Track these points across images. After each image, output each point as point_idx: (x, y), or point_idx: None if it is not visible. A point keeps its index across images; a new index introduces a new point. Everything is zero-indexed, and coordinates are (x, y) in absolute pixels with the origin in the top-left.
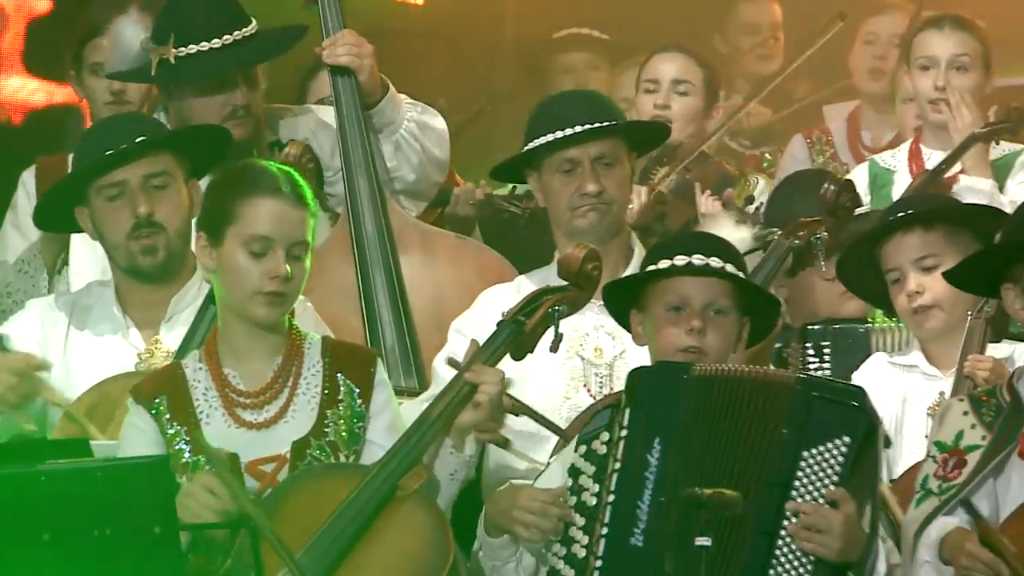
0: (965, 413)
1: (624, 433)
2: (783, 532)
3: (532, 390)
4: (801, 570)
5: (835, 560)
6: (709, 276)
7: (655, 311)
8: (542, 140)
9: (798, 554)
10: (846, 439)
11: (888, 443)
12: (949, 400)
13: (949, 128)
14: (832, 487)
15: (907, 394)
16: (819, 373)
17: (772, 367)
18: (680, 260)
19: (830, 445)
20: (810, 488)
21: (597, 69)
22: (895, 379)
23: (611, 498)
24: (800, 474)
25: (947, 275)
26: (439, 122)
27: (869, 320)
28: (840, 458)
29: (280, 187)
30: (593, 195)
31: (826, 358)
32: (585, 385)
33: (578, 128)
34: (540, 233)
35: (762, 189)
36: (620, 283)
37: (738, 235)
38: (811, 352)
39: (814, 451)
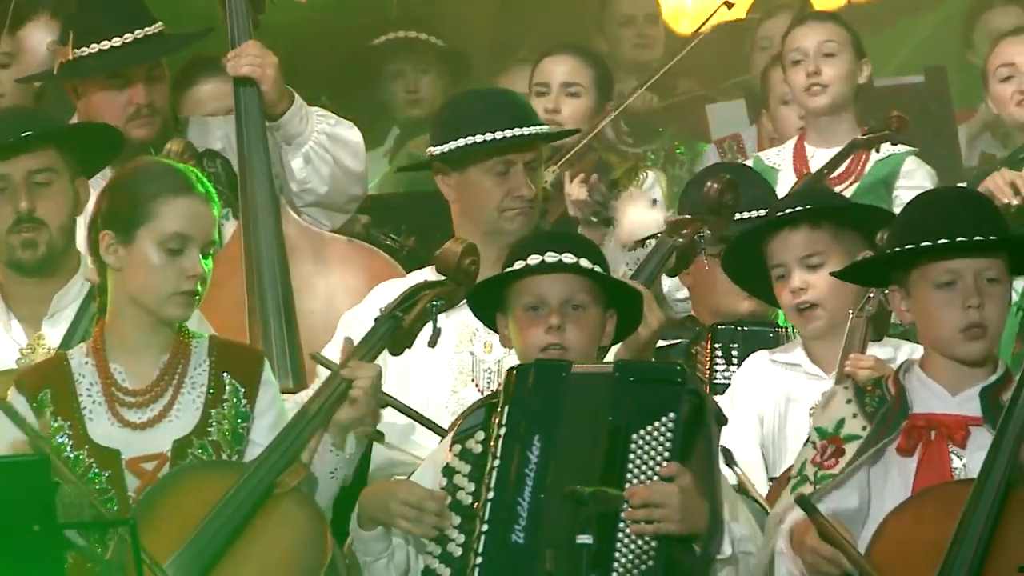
0: (848, 401)
1: (503, 431)
2: (622, 515)
3: (420, 383)
4: (646, 548)
5: (678, 533)
6: (562, 272)
7: (516, 312)
8: (488, 137)
9: (640, 541)
10: (671, 415)
11: (723, 420)
12: (834, 387)
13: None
14: (665, 464)
15: (790, 393)
16: (726, 374)
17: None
18: (533, 259)
19: (657, 423)
20: (644, 469)
21: (427, 73)
22: (778, 377)
23: (491, 495)
24: (632, 456)
25: (835, 274)
26: (353, 134)
27: (779, 324)
28: (669, 434)
29: (193, 186)
30: (527, 199)
31: (733, 359)
32: (473, 380)
33: (526, 130)
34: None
35: (652, 183)
36: (481, 287)
37: (651, 217)
38: (719, 353)
39: (642, 432)
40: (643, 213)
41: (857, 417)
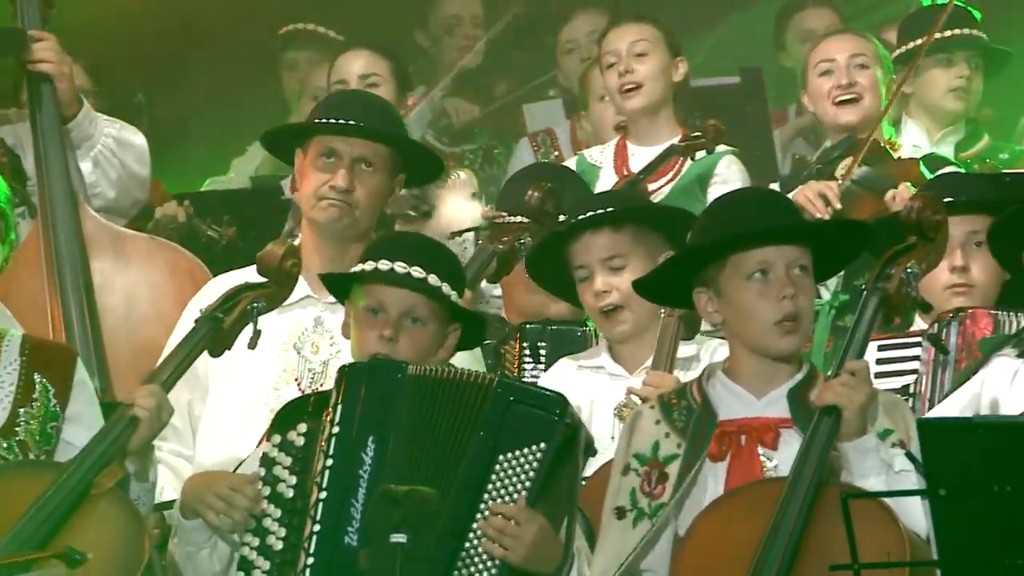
0: (657, 422)
1: (336, 430)
2: (472, 534)
3: (243, 378)
4: (486, 573)
5: (521, 565)
6: (405, 287)
7: (358, 310)
8: (319, 121)
9: (484, 557)
10: (542, 445)
11: (592, 452)
12: (639, 408)
13: None
14: (525, 492)
15: (594, 395)
16: (534, 373)
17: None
18: (384, 265)
19: (526, 451)
20: (503, 492)
21: (320, 66)
22: (582, 381)
23: (323, 495)
24: (494, 477)
25: (637, 285)
26: (139, 139)
27: (587, 323)
28: (535, 464)
29: None
30: (340, 191)
31: (541, 358)
32: (297, 380)
33: (351, 122)
34: (234, 259)
35: (464, 182)
36: (330, 278)
37: (470, 208)
38: (527, 352)
39: (509, 455)
40: (462, 205)
41: (670, 436)
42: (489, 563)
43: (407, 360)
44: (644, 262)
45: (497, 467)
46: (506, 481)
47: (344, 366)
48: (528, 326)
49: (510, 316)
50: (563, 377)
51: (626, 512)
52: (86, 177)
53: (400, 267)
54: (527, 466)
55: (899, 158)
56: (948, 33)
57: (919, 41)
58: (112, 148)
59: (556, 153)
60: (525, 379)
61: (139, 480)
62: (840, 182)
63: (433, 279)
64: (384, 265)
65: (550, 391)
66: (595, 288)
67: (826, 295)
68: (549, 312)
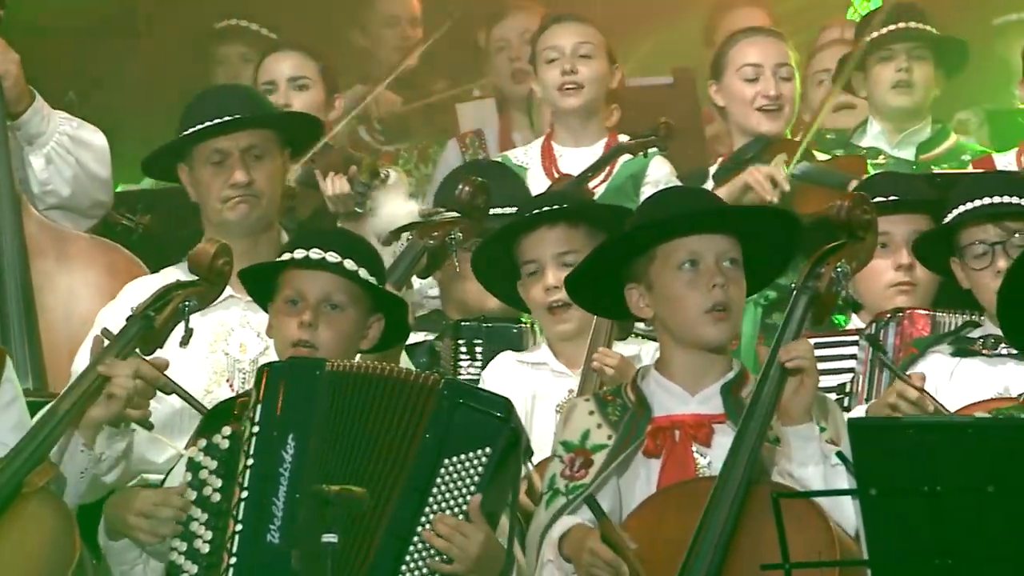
0: (591, 413)
1: (256, 429)
2: (416, 538)
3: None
4: None
5: (464, 573)
6: (321, 270)
7: (277, 304)
8: (192, 130)
9: (428, 561)
10: (487, 450)
11: (530, 454)
12: (574, 399)
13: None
14: (470, 496)
15: (536, 391)
16: (470, 370)
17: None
18: (299, 253)
19: (472, 455)
20: (447, 496)
21: (250, 62)
22: (524, 377)
23: (244, 495)
24: (439, 481)
25: (569, 280)
26: (98, 138)
27: (522, 320)
28: (480, 468)
29: None
30: (243, 186)
31: (478, 356)
32: (228, 380)
33: (227, 118)
34: (151, 247)
35: (395, 181)
36: (249, 273)
37: (407, 207)
38: (463, 349)
39: (455, 459)
40: (400, 205)
41: (602, 427)
42: (434, 569)
43: (328, 347)
44: None
45: (442, 471)
46: (451, 485)
47: (263, 365)
48: (464, 324)
49: (449, 312)
50: (505, 372)
51: (542, 496)
52: (38, 174)
53: (315, 253)
54: (472, 470)
55: (845, 154)
56: (885, 30)
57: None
58: (67, 146)
59: (484, 154)
60: (461, 376)
61: (88, 448)
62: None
63: (349, 263)
64: (299, 254)
65: (495, 394)
66: (546, 283)
67: None
68: (490, 304)
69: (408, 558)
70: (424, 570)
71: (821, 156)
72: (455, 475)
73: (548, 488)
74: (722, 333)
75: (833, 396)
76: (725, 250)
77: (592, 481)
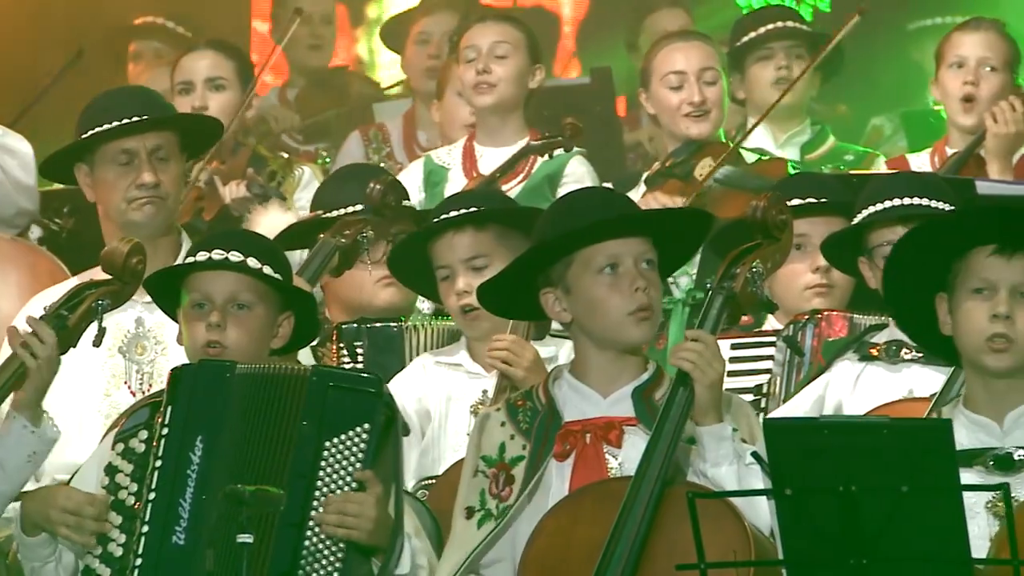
0: (503, 424)
1: (166, 431)
2: (311, 522)
3: (73, 383)
4: (331, 557)
5: (366, 542)
6: (224, 270)
7: (185, 309)
8: (98, 130)
9: (328, 542)
10: (366, 426)
11: (406, 430)
12: (486, 411)
13: None
14: (359, 472)
15: (451, 392)
16: None
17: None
18: (201, 256)
19: (351, 433)
20: (335, 477)
21: (163, 65)
22: (440, 378)
23: (152, 496)
24: (324, 464)
25: (482, 290)
26: (24, 146)
27: (402, 319)
28: (362, 445)
29: None
30: (150, 187)
31: (359, 357)
32: (126, 383)
33: (136, 119)
34: (78, 250)
35: (308, 179)
36: (153, 279)
37: (284, 219)
38: (344, 352)
39: (336, 440)
40: (276, 217)
41: (515, 438)
42: (334, 548)
43: (239, 347)
44: (506, 262)
45: (325, 453)
46: (336, 466)
47: (174, 368)
48: (344, 326)
49: (334, 315)
50: (421, 373)
51: (475, 512)
52: None
53: (217, 254)
54: (354, 448)
55: (768, 158)
56: (763, 29)
57: (725, 50)
58: None
59: (388, 149)
60: None
61: (32, 425)
62: (702, 182)
63: (252, 262)
64: (202, 256)
65: (365, 372)
66: (457, 288)
67: (678, 293)
68: (378, 302)
69: (307, 543)
70: (328, 551)
71: (750, 158)
72: (339, 455)
73: (481, 506)
74: (646, 332)
75: (751, 397)
76: (643, 252)
77: (516, 500)
